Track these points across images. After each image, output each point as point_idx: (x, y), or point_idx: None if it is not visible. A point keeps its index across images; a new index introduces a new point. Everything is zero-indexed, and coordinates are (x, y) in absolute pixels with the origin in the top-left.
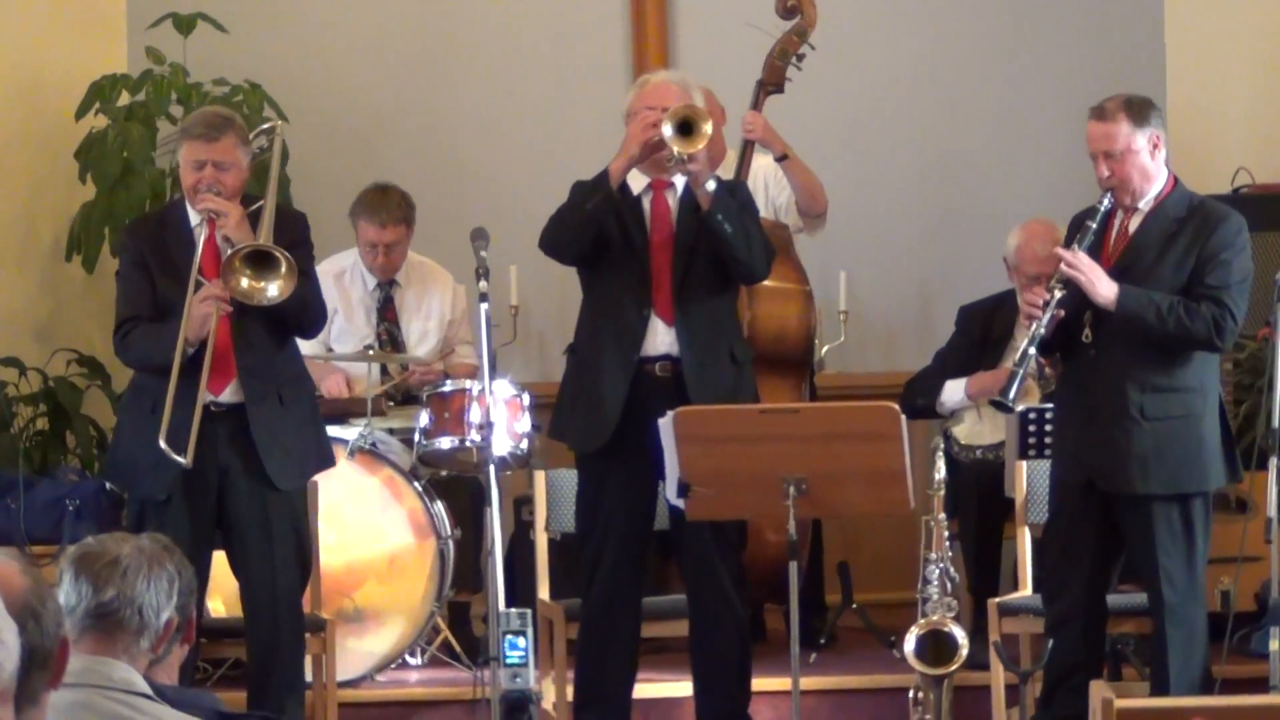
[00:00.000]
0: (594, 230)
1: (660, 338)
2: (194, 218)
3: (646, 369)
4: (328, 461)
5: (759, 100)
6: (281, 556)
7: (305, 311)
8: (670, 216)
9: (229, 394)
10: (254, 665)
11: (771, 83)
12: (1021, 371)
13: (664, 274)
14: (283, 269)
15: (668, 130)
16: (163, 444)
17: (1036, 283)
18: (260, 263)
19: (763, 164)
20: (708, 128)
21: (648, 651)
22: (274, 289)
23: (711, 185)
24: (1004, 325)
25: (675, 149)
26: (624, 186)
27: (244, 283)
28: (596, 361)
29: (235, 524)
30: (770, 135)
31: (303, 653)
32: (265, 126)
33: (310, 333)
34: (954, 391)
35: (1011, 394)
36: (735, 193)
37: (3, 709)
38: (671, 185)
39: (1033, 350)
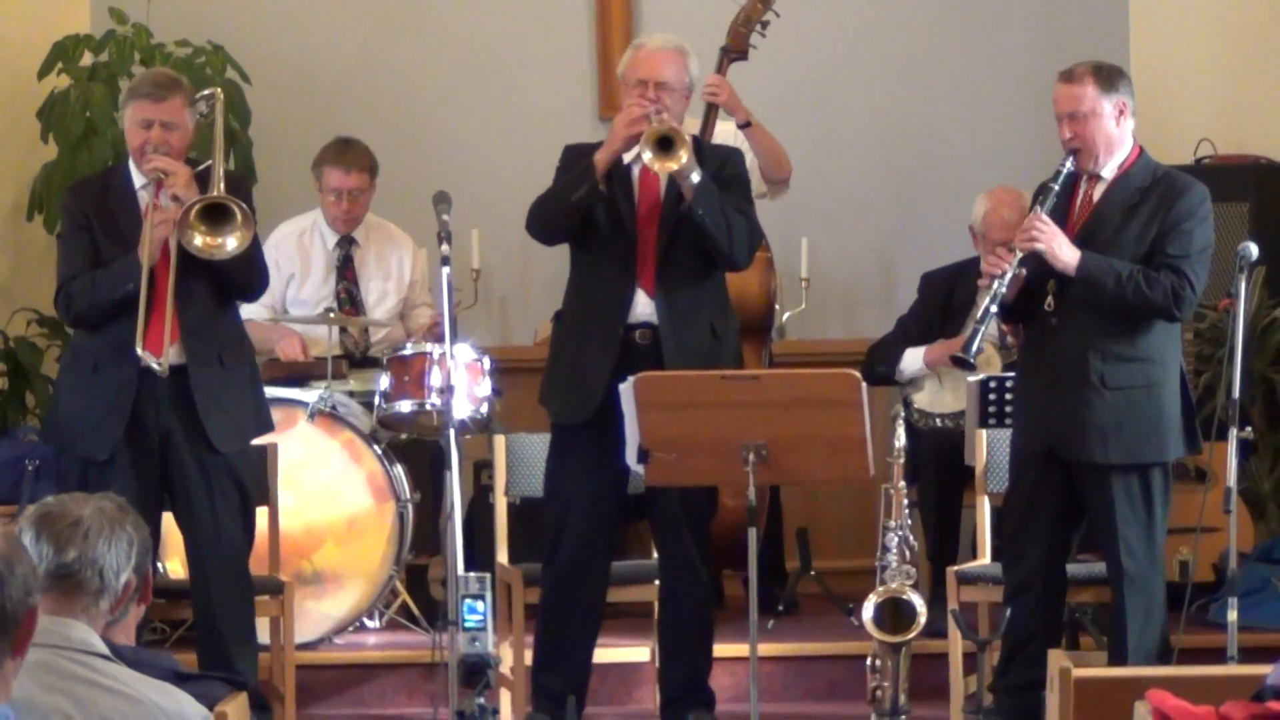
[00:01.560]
0: (579, 218)
1: (642, 308)
2: (138, 180)
3: (628, 337)
4: (266, 425)
5: (722, 67)
6: (225, 516)
7: (250, 272)
8: (658, 190)
9: (171, 355)
10: (201, 625)
11: (736, 49)
12: (982, 329)
13: (649, 247)
14: (238, 219)
15: (647, 154)
16: (139, 350)
17: (1001, 246)
18: (214, 217)
19: (725, 130)
20: (685, 152)
21: (606, 616)
22: (232, 241)
23: (695, 178)
24: (966, 292)
25: (655, 167)
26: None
27: (198, 239)
28: (584, 331)
29: (179, 485)
30: (734, 102)
31: (252, 612)
32: (206, 92)
33: (253, 296)
34: (913, 359)
35: (973, 350)
36: (726, 167)
37: None
38: None
39: (994, 308)
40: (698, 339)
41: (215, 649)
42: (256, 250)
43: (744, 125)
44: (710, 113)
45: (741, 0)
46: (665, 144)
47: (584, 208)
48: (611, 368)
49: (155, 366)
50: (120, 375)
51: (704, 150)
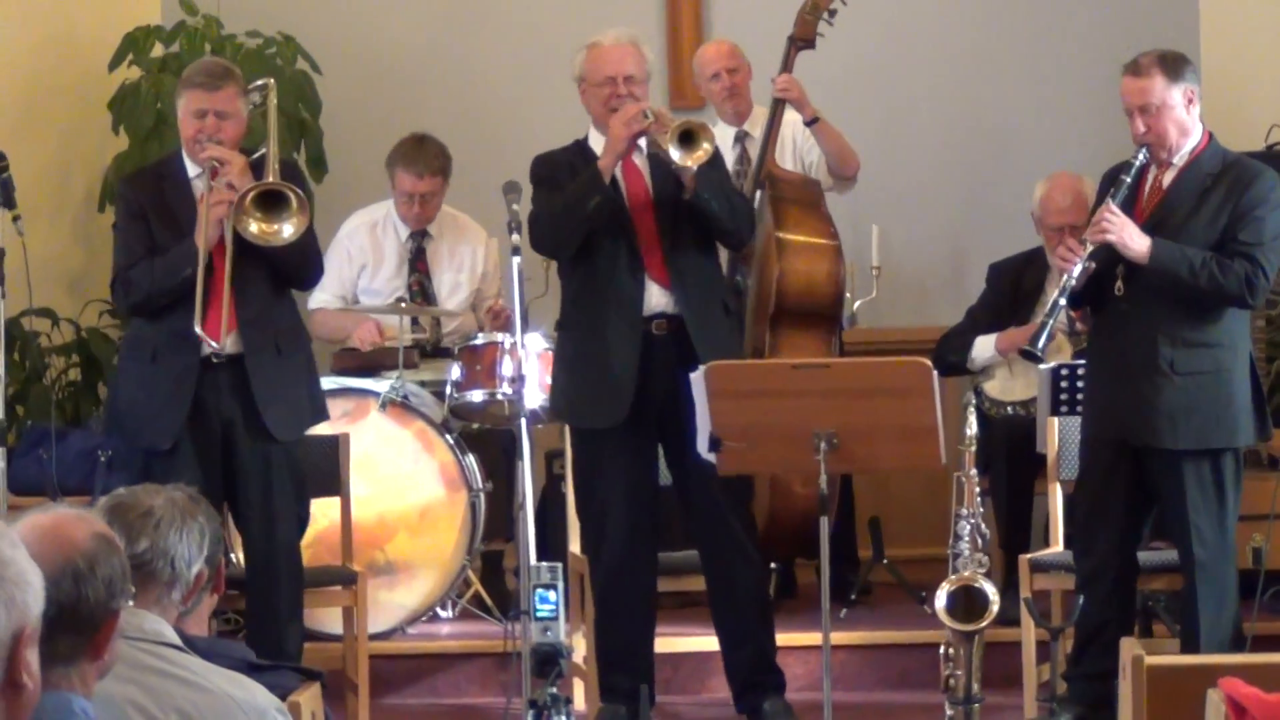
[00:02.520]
0: (591, 228)
1: (656, 298)
2: (192, 169)
3: (646, 329)
4: (322, 414)
5: (790, 56)
6: (280, 509)
7: (306, 260)
8: (644, 180)
9: (229, 345)
10: (252, 616)
11: (803, 38)
12: (1051, 321)
13: (652, 236)
14: (293, 205)
15: (675, 152)
16: (198, 329)
17: (1060, 233)
18: (270, 204)
19: (790, 120)
20: (707, 143)
21: (672, 606)
22: (288, 228)
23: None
24: (1034, 281)
25: (686, 162)
26: (590, 156)
27: (254, 226)
28: (600, 333)
29: (238, 475)
30: (803, 99)
31: (301, 604)
32: (259, 83)
33: (308, 284)
34: (984, 348)
35: (1040, 343)
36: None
37: (29, 651)
38: (637, 148)
39: (1063, 301)
40: (716, 319)
41: (265, 631)
42: (312, 238)
43: (811, 122)
44: (778, 108)
45: None
46: (688, 138)
47: (600, 217)
48: (637, 363)
49: (213, 346)
50: (181, 363)
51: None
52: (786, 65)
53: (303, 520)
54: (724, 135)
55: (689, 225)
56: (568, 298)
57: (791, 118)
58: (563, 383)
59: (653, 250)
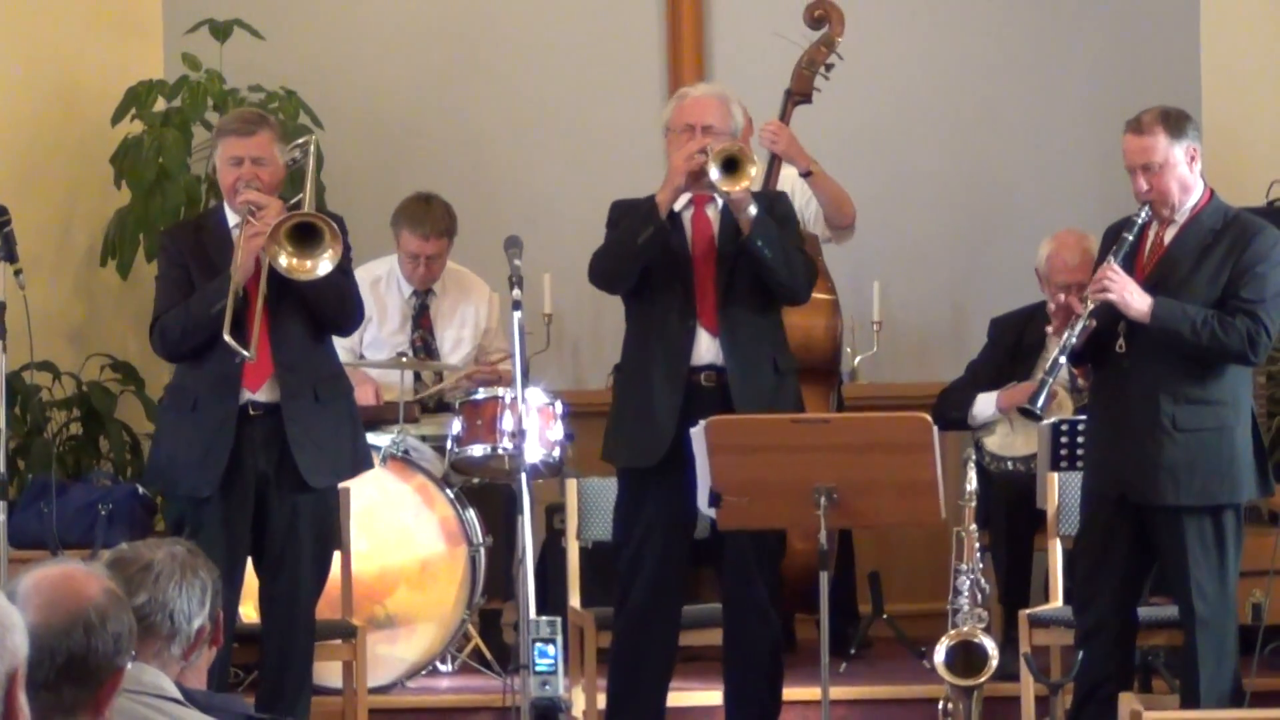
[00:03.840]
0: (645, 262)
1: (705, 348)
2: (232, 219)
3: (693, 379)
4: (364, 464)
5: (787, 110)
6: (304, 564)
7: (344, 306)
8: (712, 230)
9: (265, 392)
10: (268, 669)
11: (800, 93)
12: (1050, 380)
13: (708, 286)
14: (326, 238)
15: (714, 172)
16: (226, 337)
17: (1067, 292)
18: (303, 240)
19: (789, 174)
20: (753, 169)
21: (679, 660)
22: (324, 264)
23: (753, 210)
24: (1035, 336)
25: (722, 188)
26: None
27: (284, 259)
28: (648, 377)
29: (266, 528)
30: (795, 150)
31: (311, 659)
32: (300, 141)
33: (347, 329)
34: (985, 404)
35: (1039, 402)
36: (775, 208)
37: (21, 693)
38: (712, 200)
39: (1063, 359)
40: (762, 377)
41: (279, 693)
42: (351, 284)
43: (805, 174)
44: (774, 161)
45: (805, 43)
46: (731, 165)
47: (653, 249)
48: (679, 408)
49: (245, 355)
50: (221, 412)
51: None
52: (783, 118)
53: (321, 576)
54: None
55: (747, 280)
56: (626, 340)
57: (788, 172)
58: (611, 423)
59: (706, 299)
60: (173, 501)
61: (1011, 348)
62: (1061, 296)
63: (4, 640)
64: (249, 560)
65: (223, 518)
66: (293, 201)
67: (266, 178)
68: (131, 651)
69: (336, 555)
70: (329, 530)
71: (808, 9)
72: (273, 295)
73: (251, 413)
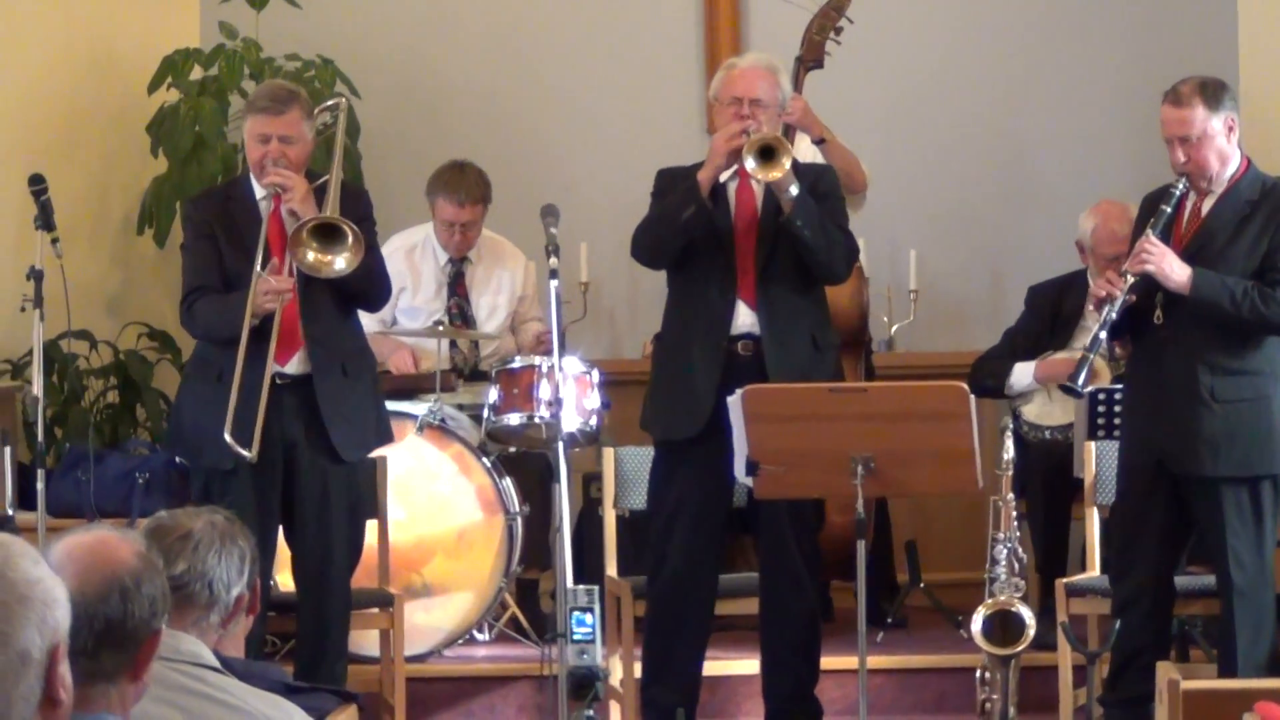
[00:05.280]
0: (686, 239)
1: (743, 319)
2: (259, 191)
3: (730, 348)
4: (387, 436)
5: (799, 76)
6: (337, 532)
7: (371, 284)
8: (755, 204)
9: (295, 365)
10: (305, 638)
11: (810, 59)
12: (1092, 356)
13: (749, 260)
14: (349, 241)
15: (750, 162)
16: (227, 437)
17: (1113, 263)
18: (327, 236)
19: (803, 144)
20: (787, 160)
21: (715, 629)
22: (341, 262)
23: (794, 191)
24: (1074, 305)
25: (757, 176)
26: None
27: (310, 256)
28: (687, 349)
29: (296, 497)
30: (809, 119)
31: (348, 627)
32: (330, 103)
33: (375, 306)
34: (1023, 374)
35: (1080, 379)
36: (820, 185)
37: (64, 666)
38: None
39: (1104, 335)
40: (799, 350)
41: (318, 662)
42: (378, 261)
43: (819, 141)
44: (786, 132)
45: (814, 8)
46: (767, 153)
47: (695, 227)
48: (717, 380)
49: (247, 456)
50: (247, 383)
51: (796, 168)
52: (795, 86)
53: (356, 544)
54: None
55: (788, 254)
56: (667, 311)
57: (803, 141)
58: (650, 394)
59: (747, 272)
60: (198, 471)
61: (1049, 317)
62: (1102, 282)
63: (47, 615)
64: (280, 530)
65: (250, 487)
66: (319, 182)
67: (294, 156)
68: (166, 614)
69: (372, 524)
70: (360, 500)
71: None
72: (301, 273)
73: (279, 382)
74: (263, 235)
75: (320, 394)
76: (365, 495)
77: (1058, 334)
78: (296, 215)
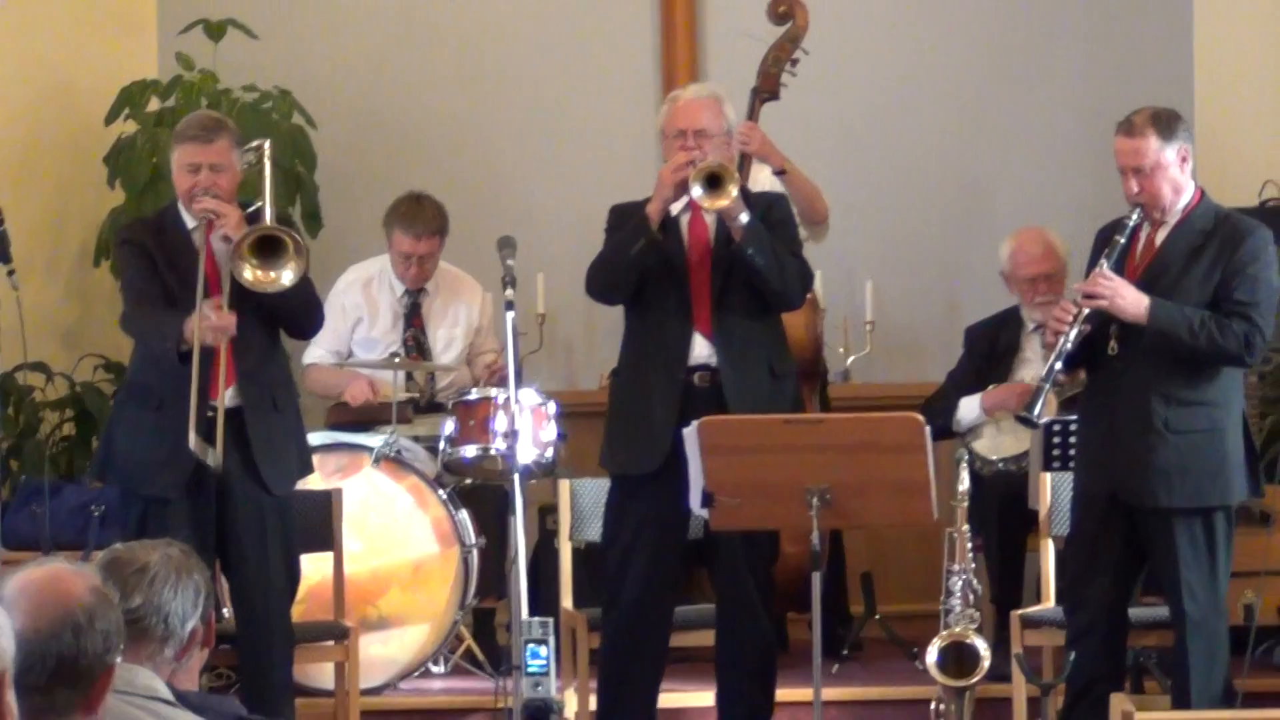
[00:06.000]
0: (640, 273)
1: (699, 350)
2: (189, 221)
3: (687, 379)
4: (308, 468)
5: (754, 108)
6: (275, 565)
7: (308, 311)
8: (708, 234)
9: (228, 398)
10: (247, 671)
11: (766, 90)
12: (1047, 387)
13: (703, 290)
14: (290, 251)
15: (696, 190)
16: (193, 438)
17: (1034, 284)
18: (266, 253)
19: (761, 177)
20: (734, 187)
21: (670, 661)
22: (287, 275)
23: (744, 219)
24: (1008, 341)
25: (704, 205)
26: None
27: (249, 273)
28: (644, 382)
29: (231, 529)
30: (768, 150)
31: (292, 659)
32: (253, 145)
33: (309, 333)
34: (969, 408)
35: (1036, 410)
36: (772, 213)
37: (8, 693)
38: None
39: (1059, 365)
40: (757, 380)
41: (261, 696)
42: (311, 288)
43: (779, 172)
44: (744, 161)
45: (770, 40)
46: (714, 181)
47: (647, 260)
48: (676, 413)
49: (211, 465)
50: (184, 413)
51: (748, 197)
52: (751, 117)
53: (293, 577)
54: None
55: (742, 283)
56: (624, 345)
57: (763, 172)
58: (608, 430)
59: (702, 302)
60: (134, 501)
61: (986, 353)
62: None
63: None
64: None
65: (185, 519)
66: (251, 209)
67: (225, 184)
68: (121, 647)
69: (327, 557)
70: (293, 532)
71: (771, 5)
72: (235, 302)
73: (212, 416)
74: (201, 269)
75: (251, 428)
76: (306, 525)
77: (996, 369)
78: (231, 240)
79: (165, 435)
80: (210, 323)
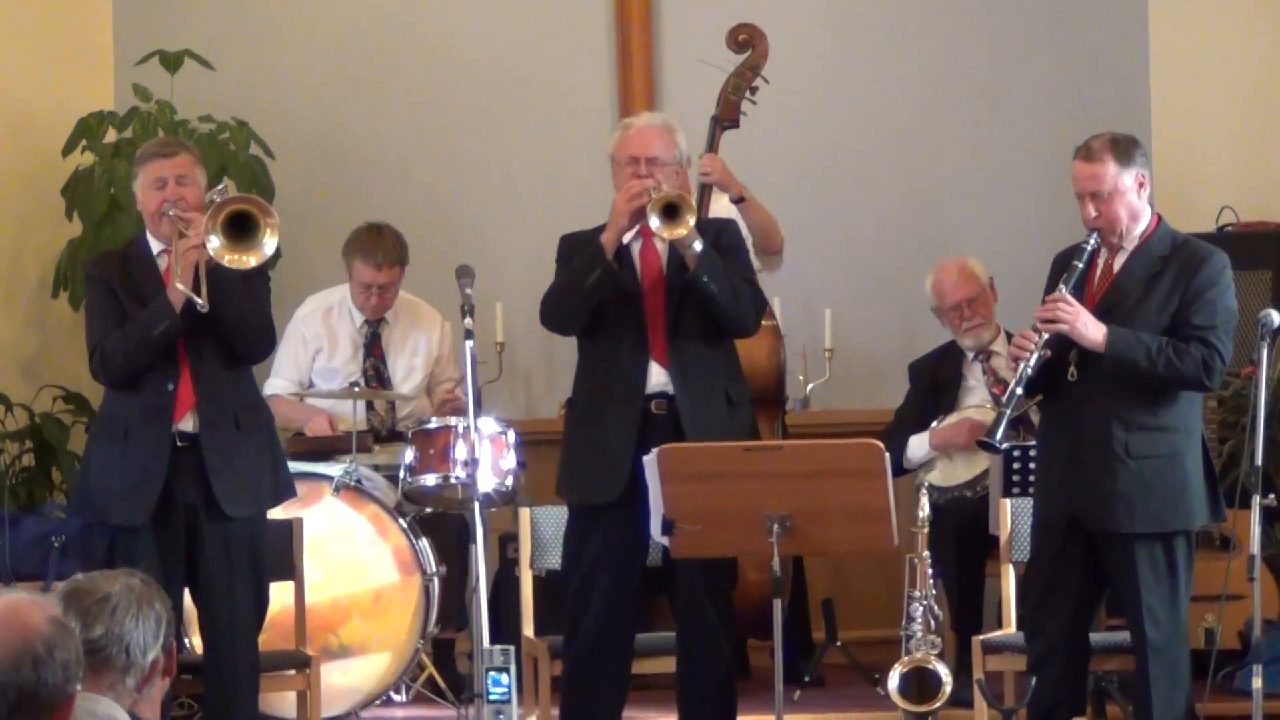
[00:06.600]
0: (595, 303)
1: (656, 378)
2: (155, 246)
3: (644, 407)
4: (287, 491)
5: (715, 136)
6: (242, 594)
7: (259, 334)
8: (660, 263)
9: (188, 423)
10: (214, 700)
11: (727, 118)
12: (1009, 413)
13: (658, 319)
14: (261, 223)
15: (655, 221)
16: (179, 285)
17: (959, 312)
18: (238, 235)
19: (721, 203)
20: (691, 217)
21: (631, 688)
22: (269, 244)
23: (698, 247)
24: (950, 371)
25: (662, 234)
26: None
27: (226, 256)
28: (601, 412)
29: (198, 558)
30: (727, 178)
31: (258, 687)
32: (220, 186)
33: (260, 356)
34: (918, 446)
35: (998, 435)
36: (722, 239)
37: None
38: None
39: (1020, 391)
40: (714, 406)
41: (223, 715)
42: (267, 311)
43: (738, 200)
44: (704, 192)
45: (729, 68)
46: (671, 211)
47: (602, 290)
48: (634, 442)
49: (199, 302)
50: (153, 441)
51: (699, 223)
52: (711, 145)
53: (261, 604)
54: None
55: (696, 311)
56: (578, 374)
57: (722, 201)
58: (564, 460)
59: (657, 331)
60: (103, 531)
61: (929, 387)
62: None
63: None
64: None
65: (156, 548)
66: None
67: (191, 197)
68: (80, 676)
69: (288, 585)
70: (262, 559)
71: (731, 33)
72: (190, 327)
73: (179, 444)
74: (172, 265)
75: (206, 448)
76: (267, 553)
77: (941, 401)
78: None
79: (133, 463)
80: (186, 244)
